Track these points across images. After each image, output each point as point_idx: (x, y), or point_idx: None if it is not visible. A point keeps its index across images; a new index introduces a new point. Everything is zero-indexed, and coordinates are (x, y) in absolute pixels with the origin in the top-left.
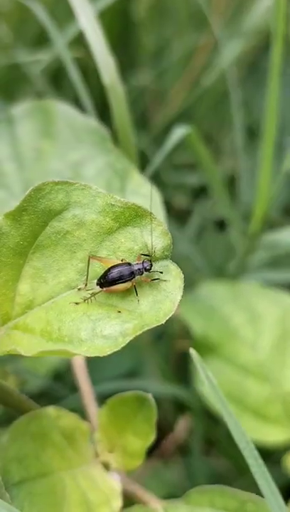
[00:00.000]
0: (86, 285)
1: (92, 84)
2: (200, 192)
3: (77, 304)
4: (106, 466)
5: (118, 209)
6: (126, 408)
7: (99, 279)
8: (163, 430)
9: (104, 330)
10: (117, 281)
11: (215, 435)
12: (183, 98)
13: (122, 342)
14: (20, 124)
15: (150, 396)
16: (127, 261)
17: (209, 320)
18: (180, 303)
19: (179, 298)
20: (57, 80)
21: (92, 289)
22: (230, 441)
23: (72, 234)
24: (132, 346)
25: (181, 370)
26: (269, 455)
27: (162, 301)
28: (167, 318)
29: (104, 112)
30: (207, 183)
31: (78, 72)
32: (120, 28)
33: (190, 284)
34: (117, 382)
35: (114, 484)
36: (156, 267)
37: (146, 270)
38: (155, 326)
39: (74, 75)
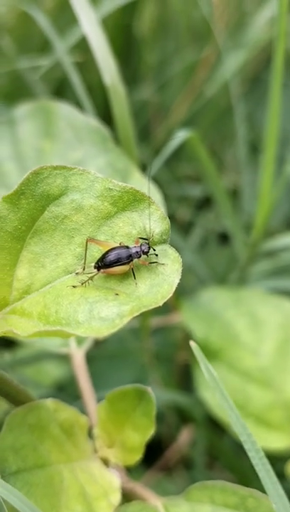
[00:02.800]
0: (84, 269)
1: (96, 96)
2: (203, 205)
3: (74, 287)
4: (106, 462)
5: (116, 193)
6: (125, 403)
7: (96, 262)
8: (166, 441)
9: (101, 312)
10: (115, 264)
11: (219, 447)
12: (184, 112)
13: (119, 323)
14: (21, 125)
15: (149, 389)
16: (125, 244)
17: (210, 326)
18: (181, 309)
19: (177, 281)
20: (61, 93)
21: (89, 272)
22: (234, 453)
23: (70, 219)
24: (135, 357)
25: (184, 382)
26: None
27: (160, 284)
28: (164, 300)
29: (107, 120)
30: (209, 194)
31: (83, 87)
32: (123, 44)
33: (193, 295)
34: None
35: (112, 479)
36: (154, 251)
37: (144, 253)
38: (152, 307)
39: (74, 77)
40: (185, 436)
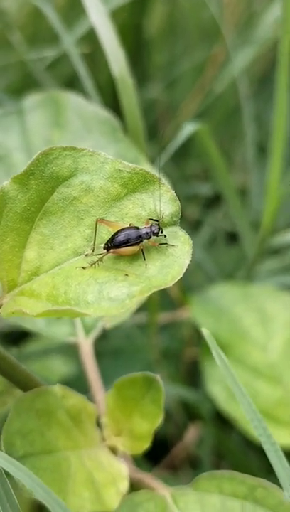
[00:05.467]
0: (93, 250)
1: (106, 95)
2: (211, 203)
3: (84, 268)
4: (114, 451)
5: (126, 174)
6: (133, 390)
7: (106, 243)
8: (173, 440)
9: (110, 292)
10: (124, 245)
11: (226, 445)
12: (193, 111)
13: (129, 304)
14: (30, 115)
15: (158, 377)
16: (135, 225)
17: (219, 321)
18: (190, 304)
19: (187, 262)
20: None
21: (99, 254)
22: (241, 452)
23: (79, 200)
24: (142, 354)
25: (191, 380)
26: None
27: (170, 265)
28: (175, 281)
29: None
30: (218, 193)
31: (91, 81)
32: (132, 43)
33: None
34: None
35: (120, 467)
36: (164, 232)
37: (154, 234)
38: (162, 288)
39: (81, 68)
40: (191, 435)
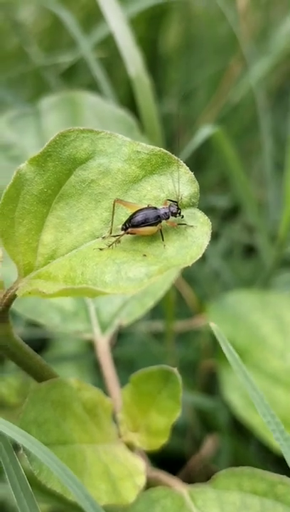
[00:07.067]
0: (111, 232)
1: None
2: (228, 215)
3: (101, 249)
4: (130, 447)
5: (144, 156)
6: (150, 385)
7: (124, 224)
8: (190, 452)
9: (129, 272)
10: (142, 225)
11: (244, 458)
12: (209, 124)
13: (147, 282)
14: (47, 115)
15: (175, 370)
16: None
17: (236, 327)
18: (207, 311)
19: (206, 243)
20: None
21: (116, 235)
22: (260, 465)
23: (97, 183)
24: (158, 363)
25: (208, 391)
26: None
27: (189, 246)
28: (193, 261)
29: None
30: (235, 203)
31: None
32: (148, 59)
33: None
34: None
35: (137, 462)
36: (182, 214)
37: (173, 214)
38: (181, 267)
39: (97, 72)
40: (208, 446)
